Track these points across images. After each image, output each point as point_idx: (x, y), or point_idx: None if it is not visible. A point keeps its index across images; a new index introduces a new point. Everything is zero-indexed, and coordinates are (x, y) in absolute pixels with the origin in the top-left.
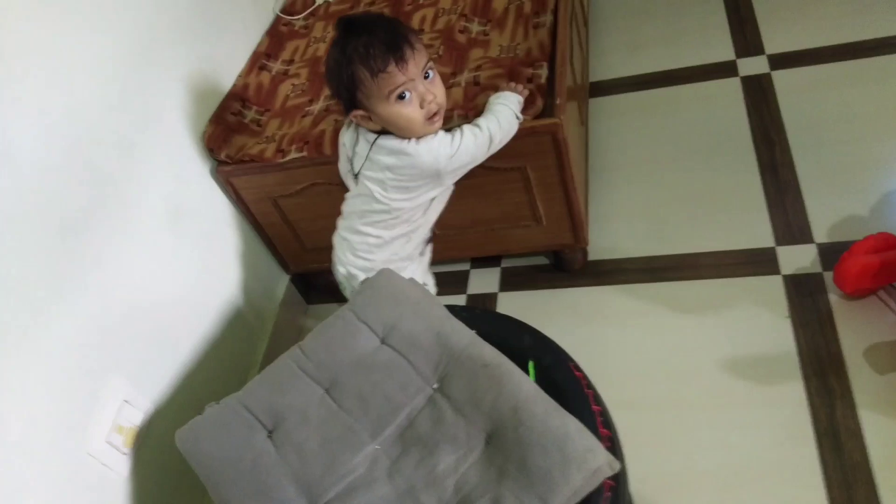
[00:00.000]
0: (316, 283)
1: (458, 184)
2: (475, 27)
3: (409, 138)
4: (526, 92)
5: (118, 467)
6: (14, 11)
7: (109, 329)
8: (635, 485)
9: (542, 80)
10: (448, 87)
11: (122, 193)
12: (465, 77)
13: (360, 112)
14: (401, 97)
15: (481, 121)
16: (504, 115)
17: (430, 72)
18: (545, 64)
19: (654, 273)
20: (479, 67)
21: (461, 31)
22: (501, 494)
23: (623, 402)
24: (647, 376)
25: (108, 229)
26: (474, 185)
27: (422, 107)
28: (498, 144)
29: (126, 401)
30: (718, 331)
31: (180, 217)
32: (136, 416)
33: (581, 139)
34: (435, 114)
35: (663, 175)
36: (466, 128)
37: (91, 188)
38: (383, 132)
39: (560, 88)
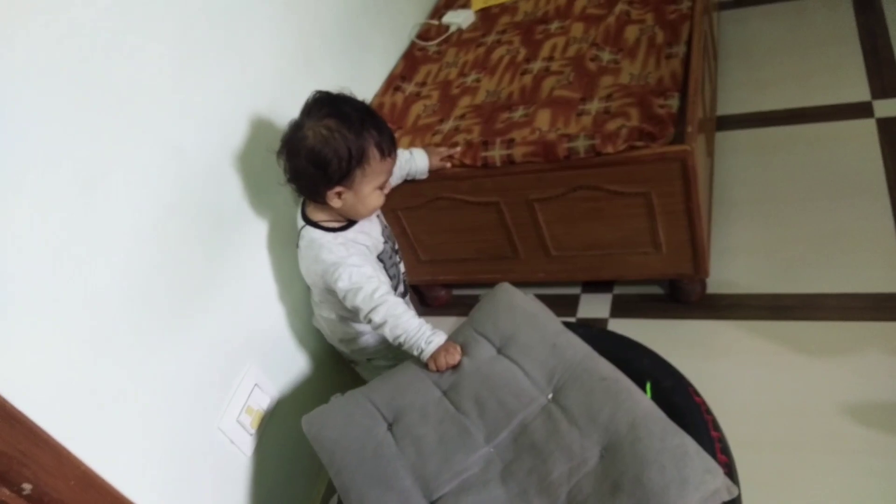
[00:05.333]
0: (429, 296)
1: (578, 205)
2: (606, 56)
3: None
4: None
5: (244, 446)
6: (197, 21)
7: (249, 319)
8: None
9: (674, 110)
10: (577, 115)
11: (267, 197)
12: (594, 105)
13: (340, 189)
14: (380, 188)
15: (398, 318)
16: (411, 327)
17: None
18: (677, 94)
19: (777, 311)
20: (609, 96)
21: (592, 60)
22: None
23: (741, 441)
24: (767, 416)
25: (251, 227)
26: (595, 208)
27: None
28: (383, 312)
29: (257, 385)
30: (842, 375)
31: None
32: (264, 401)
33: (707, 170)
34: None
35: (789, 214)
36: (389, 300)
37: (242, 190)
38: (315, 224)
39: (692, 116)
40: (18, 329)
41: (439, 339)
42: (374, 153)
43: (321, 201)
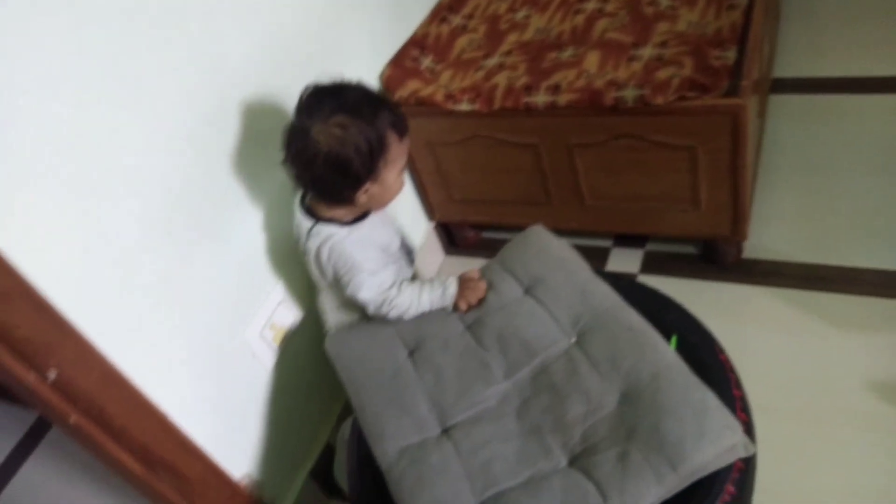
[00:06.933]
0: (458, 236)
1: (619, 154)
2: (665, 1)
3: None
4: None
5: (265, 359)
6: None
7: (282, 237)
8: (759, 491)
9: (730, 62)
10: (628, 60)
11: None
12: (647, 51)
13: (367, 186)
14: (400, 171)
15: (411, 306)
16: (423, 306)
17: None
18: (735, 47)
19: (812, 281)
20: (664, 43)
21: (649, 4)
22: (628, 451)
23: (760, 405)
24: (790, 384)
25: None
26: (637, 158)
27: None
28: (396, 309)
29: (283, 302)
30: (872, 351)
31: None
32: (287, 318)
33: (757, 131)
34: None
35: (835, 185)
36: (394, 297)
37: (280, 107)
38: (330, 220)
39: (748, 71)
40: (55, 220)
41: (453, 288)
42: (392, 137)
43: (347, 204)
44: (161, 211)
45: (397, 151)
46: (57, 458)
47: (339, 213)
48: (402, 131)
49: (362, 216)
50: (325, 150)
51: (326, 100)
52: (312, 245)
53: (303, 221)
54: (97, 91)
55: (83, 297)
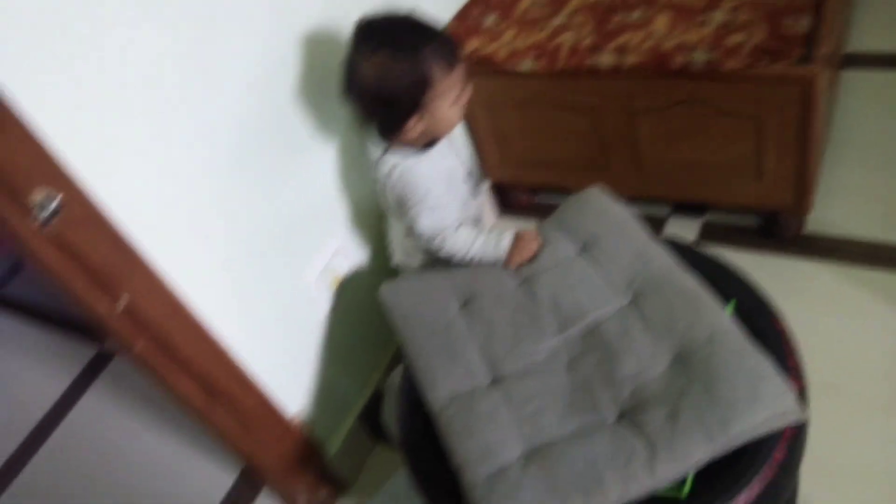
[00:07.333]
0: (510, 197)
1: (682, 121)
2: None
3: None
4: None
5: (321, 303)
6: None
7: (346, 184)
8: (806, 465)
9: (804, 31)
10: (699, 24)
11: None
12: (717, 16)
13: (416, 118)
14: (456, 100)
15: (462, 249)
16: (475, 252)
17: None
18: (809, 15)
19: (877, 260)
20: (736, 8)
21: None
22: (679, 409)
23: (814, 382)
24: (845, 362)
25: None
26: (701, 125)
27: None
28: (448, 248)
29: (340, 248)
30: None
31: None
32: (343, 266)
33: (828, 104)
34: None
35: None
36: (449, 236)
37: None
38: (398, 149)
39: (823, 40)
40: (131, 152)
41: (507, 241)
42: (437, 72)
43: (401, 135)
44: (229, 150)
45: (447, 84)
46: (115, 390)
47: (401, 144)
48: (451, 63)
49: (430, 144)
50: (367, 84)
51: (373, 35)
52: (381, 172)
53: (373, 151)
54: (181, 26)
55: (154, 228)
